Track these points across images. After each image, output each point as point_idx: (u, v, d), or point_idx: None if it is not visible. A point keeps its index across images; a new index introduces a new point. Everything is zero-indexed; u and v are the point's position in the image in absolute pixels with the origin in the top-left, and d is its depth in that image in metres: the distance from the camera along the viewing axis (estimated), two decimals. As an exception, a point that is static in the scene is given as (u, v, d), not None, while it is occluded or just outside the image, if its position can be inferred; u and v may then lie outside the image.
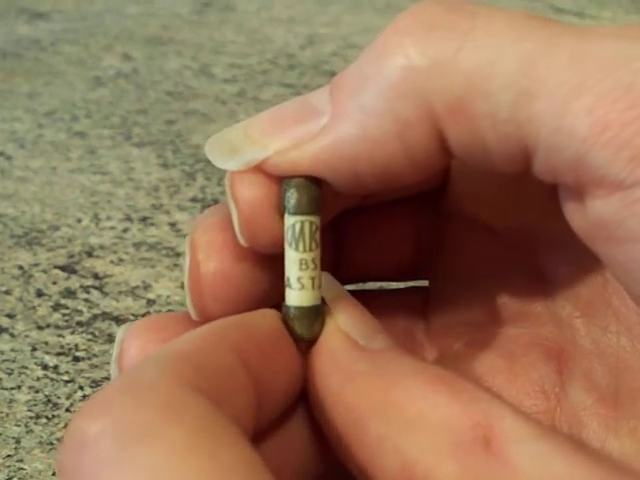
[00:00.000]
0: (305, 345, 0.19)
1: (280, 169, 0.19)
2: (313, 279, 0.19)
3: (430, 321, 0.23)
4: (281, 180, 0.19)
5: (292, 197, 0.19)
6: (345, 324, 0.19)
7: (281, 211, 0.19)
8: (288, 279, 0.19)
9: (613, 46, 0.16)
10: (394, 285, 0.25)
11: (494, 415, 0.16)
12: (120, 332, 0.21)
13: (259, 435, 0.18)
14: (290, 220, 0.19)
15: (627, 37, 0.16)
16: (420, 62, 0.17)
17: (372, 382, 0.17)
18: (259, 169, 0.19)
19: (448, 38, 0.17)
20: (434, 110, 0.17)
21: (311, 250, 0.19)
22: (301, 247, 0.19)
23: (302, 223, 0.19)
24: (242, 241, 0.19)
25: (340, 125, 0.18)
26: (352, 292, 0.21)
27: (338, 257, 0.23)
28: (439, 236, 0.23)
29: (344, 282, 0.21)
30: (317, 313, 0.19)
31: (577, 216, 0.17)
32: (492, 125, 0.17)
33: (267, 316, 0.19)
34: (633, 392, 0.20)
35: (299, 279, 0.19)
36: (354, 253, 0.23)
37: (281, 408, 0.18)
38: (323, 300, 0.20)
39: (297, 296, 0.19)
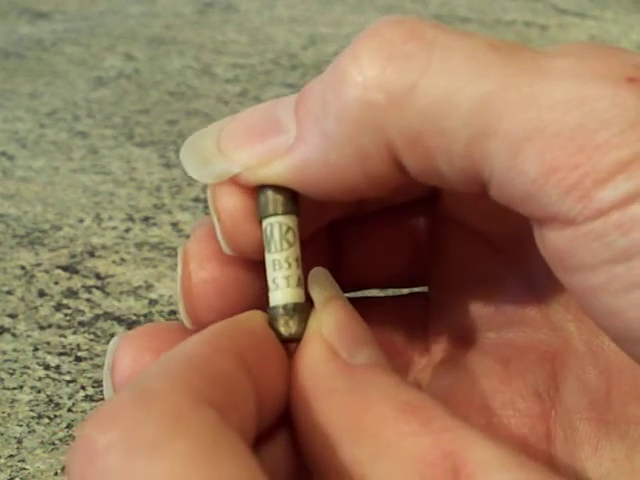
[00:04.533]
0: (291, 347, 0.19)
1: (250, 183, 0.19)
2: (288, 278, 0.20)
3: (429, 326, 0.23)
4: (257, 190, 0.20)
5: (261, 202, 0.20)
6: (329, 333, 0.19)
7: (259, 219, 0.20)
8: (268, 282, 0.20)
9: (566, 87, 0.16)
10: (395, 292, 0.25)
11: (464, 444, 0.16)
12: (112, 342, 0.21)
13: (262, 436, 0.18)
14: (263, 224, 0.20)
15: (581, 77, 0.16)
16: (377, 96, 0.17)
17: (346, 401, 0.17)
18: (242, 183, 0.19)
19: (405, 71, 0.17)
20: (392, 142, 0.17)
21: (282, 250, 0.20)
22: (273, 248, 0.20)
23: (272, 225, 0.20)
24: (226, 249, 0.20)
25: (303, 148, 0.19)
26: (353, 298, 0.21)
27: (337, 265, 0.23)
28: (435, 243, 0.23)
29: (343, 290, 0.21)
30: (295, 311, 0.19)
31: (540, 244, 0.17)
32: (448, 159, 0.17)
33: (255, 318, 0.19)
34: (624, 395, 0.20)
35: (274, 279, 0.20)
36: (353, 261, 0.23)
37: (279, 411, 0.18)
38: (311, 302, 0.20)
39: (273, 296, 0.20)
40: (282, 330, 0.19)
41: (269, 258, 0.20)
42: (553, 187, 0.16)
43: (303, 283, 0.20)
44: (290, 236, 0.20)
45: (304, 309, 0.20)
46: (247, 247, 0.20)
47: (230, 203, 0.20)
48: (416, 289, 0.25)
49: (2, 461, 0.37)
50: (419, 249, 0.24)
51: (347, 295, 0.21)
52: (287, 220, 0.20)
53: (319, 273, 0.21)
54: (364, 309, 0.20)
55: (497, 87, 0.16)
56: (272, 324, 0.19)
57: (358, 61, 0.18)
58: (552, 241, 0.17)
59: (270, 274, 0.20)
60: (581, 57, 0.17)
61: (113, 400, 0.15)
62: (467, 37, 0.17)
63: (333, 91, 0.18)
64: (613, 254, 0.16)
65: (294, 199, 0.20)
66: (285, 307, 0.19)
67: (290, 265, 0.20)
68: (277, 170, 0.19)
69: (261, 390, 0.17)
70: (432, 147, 0.17)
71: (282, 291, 0.20)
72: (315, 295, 0.20)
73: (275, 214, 0.20)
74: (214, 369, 0.16)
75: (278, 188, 0.19)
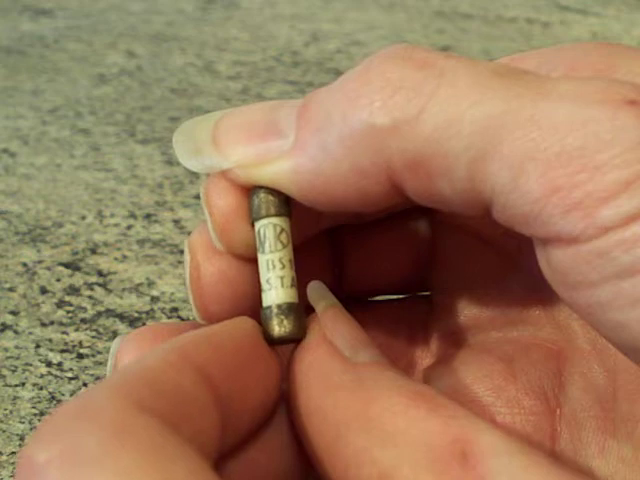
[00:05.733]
0: (284, 347, 0.19)
1: (239, 181, 0.19)
2: (282, 278, 0.20)
3: (431, 328, 0.24)
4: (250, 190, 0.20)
5: (254, 204, 0.20)
6: (332, 334, 0.19)
7: (251, 220, 0.20)
8: (261, 283, 0.20)
9: (568, 109, 0.16)
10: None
11: (472, 431, 0.16)
12: (115, 343, 0.21)
13: (236, 448, 0.17)
14: (256, 226, 0.20)
15: (583, 100, 0.16)
16: (383, 121, 0.17)
17: (353, 395, 0.17)
18: (231, 180, 0.19)
19: (412, 99, 0.17)
20: (392, 166, 0.18)
21: (276, 250, 0.20)
22: (267, 248, 0.20)
23: (265, 226, 0.20)
24: (218, 246, 0.20)
25: (299, 156, 0.19)
26: (355, 302, 0.21)
27: (339, 274, 0.23)
28: (435, 246, 0.23)
29: (347, 298, 0.21)
30: (290, 310, 0.19)
31: (542, 261, 0.18)
32: (449, 182, 0.17)
33: (240, 326, 0.19)
34: (630, 394, 0.20)
35: (268, 280, 0.20)
36: (354, 269, 0.24)
37: (255, 422, 0.18)
38: (305, 305, 0.20)
39: (267, 296, 0.19)
40: (276, 329, 0.19)
41: (262, 259, 0.20)
42: (555, 206, 0.16)
43: (297, 284, 0.20)
44: (283, 237, 0.20)
45: (298, 309, 0.20)
46: (239, 246, 0.20)
47: (223, 201, 0.20)
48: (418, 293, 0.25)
49: (4, 458, 0.37)
50: (420, 254, 0.24)
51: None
52: (280, 221, 0.20)
53: (317, 285, 0.21)
54: (365, 312, 0.21)
55: (499, 110, 0.17)
56: (265, 325, 0.19)
57: (368, 85, 0.18)
58: (556, 259, 0.17)
59: (264, 275, 0.20)
60: (583, 80, 0.17)
61: (53, 415, 0.15)
62: (473, 65, 0.17)
63: (339, 109, 0.18)
64: (617, 270, 0.16)
65: (287, 201, 0.20)
66: (280, 307, 0.19)
67: (284, 265, 0.20)
68: (269, 172, 0.19)
69: (230, 403, 0.17)
70: (434, 170, 0.17)
71: (276, 291, 0.19)
72: (315, 303, 0.20)
73: (268, 215, 0.20)
74: (165, 381, 0.16)
75: (271, 190, 0.19)
